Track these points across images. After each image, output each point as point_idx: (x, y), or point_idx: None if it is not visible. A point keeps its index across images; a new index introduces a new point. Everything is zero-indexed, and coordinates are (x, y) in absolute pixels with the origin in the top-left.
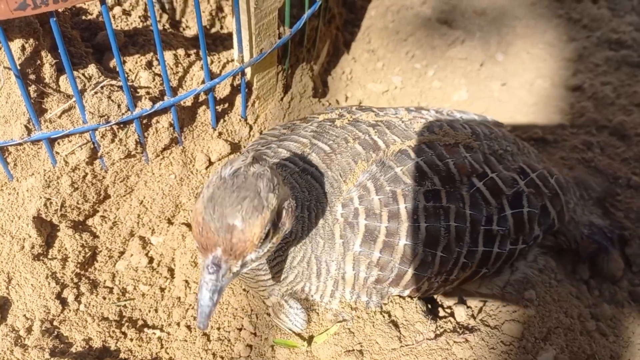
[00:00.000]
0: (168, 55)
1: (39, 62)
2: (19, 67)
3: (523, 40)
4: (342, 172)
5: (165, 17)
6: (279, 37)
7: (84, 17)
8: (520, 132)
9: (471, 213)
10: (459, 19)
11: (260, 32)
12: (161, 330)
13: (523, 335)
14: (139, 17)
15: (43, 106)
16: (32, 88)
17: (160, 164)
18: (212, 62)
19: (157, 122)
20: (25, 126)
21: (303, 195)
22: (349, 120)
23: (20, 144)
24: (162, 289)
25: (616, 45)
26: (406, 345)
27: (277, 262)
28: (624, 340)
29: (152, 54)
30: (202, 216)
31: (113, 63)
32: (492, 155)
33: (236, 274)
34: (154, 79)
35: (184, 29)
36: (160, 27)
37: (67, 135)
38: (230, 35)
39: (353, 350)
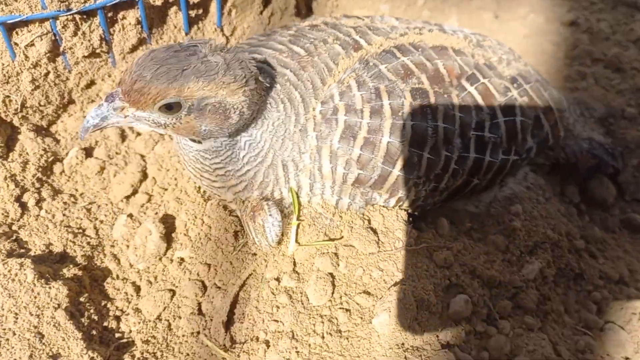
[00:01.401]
0: None
1: None
2: None
3: None
4: (320, 72)
5: None
6: None
7: None
8: None
9: (461, 116)
10: None
11: None
12: None
13: (507, 248)
14: None
15: None
16: None
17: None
18: None
19: (124, 17)
20: None
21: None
22: (330, 23)
23: None
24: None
25: None
26: (384, 251)
27: (230, 153)
28: (613, 262)
29: None
30: (133, 61)
31: None
32: (485, 64)
33: (127, 121)
34: None
35: None
36: None
37: (26, 24)
38: None
39: (327, 252)
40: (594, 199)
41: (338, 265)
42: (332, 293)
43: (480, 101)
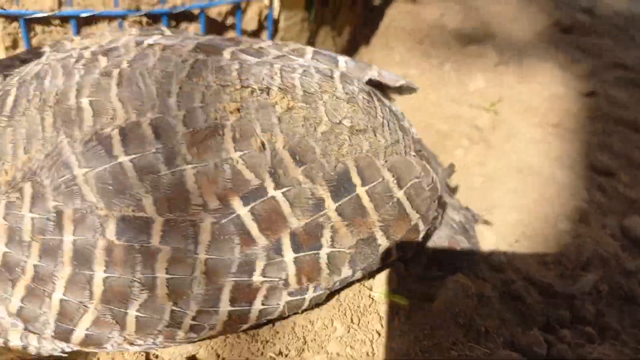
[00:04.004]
0: None
1: None
2: None
3: (534, 57)
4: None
5: None
6: None
7: None
8: (539, 118)
9: (209, 258)
10: (472, 34)
11: None
12: None
13: (560, 261)
14: None
15: None
16: None
17: None
18: None
19: (185, 28)
20: None
21: None
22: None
23: (48, 21)
24: None
25: (623, 68)
26: None
27: None
28: None
29: None
30: None
31: None
32: (292, 151)
33: None
34: None
35: None
36: None
37: (96, 20)
38: None
39: None
40: (636, 237)
41: None
42: None
43: (254, 232)
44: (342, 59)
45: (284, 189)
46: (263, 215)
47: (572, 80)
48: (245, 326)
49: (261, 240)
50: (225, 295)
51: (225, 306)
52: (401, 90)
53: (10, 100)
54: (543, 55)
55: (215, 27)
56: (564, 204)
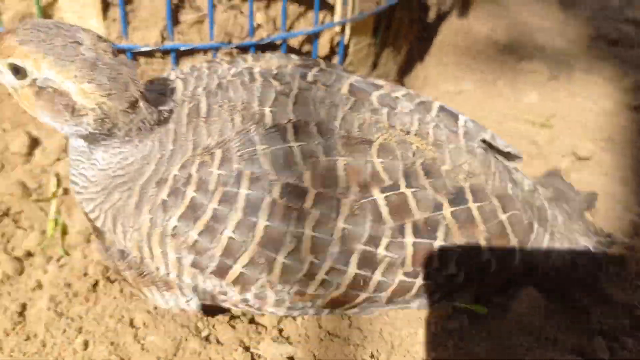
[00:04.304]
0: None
1: None
2: None
3: (583, 71)
4: (198, 140)
5: None
6: (377, 4)
7: None
8: (590, 133)
9: (346, 227)
10: (522, 49)
11: None
12: None
13: (619, 274)
14: None
15: (178, 18)
16: None
17: None
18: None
19: None
20: (161, 34)
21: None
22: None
23: (151, 54)
24: None
25: None
26: None
27: (88, 160)
28: None
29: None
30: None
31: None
32: (425, 166)
33: None
34: (268, 22)
35: None
36: None
37: (192, 52)
38: None
39: None
40: None
41: None
42: None
43: (384, 214)
44: (463, 118)
45: (413, 189)
46: (394, 202)
47: (620, 94)
48: (363, 295)
49: (389, 222)
50: (354, 259)
51: (353, 268)
52: (508, 155)
53: (203, 106)
54: (591, 69)
55: (294, 54)
56: (619, 217)
